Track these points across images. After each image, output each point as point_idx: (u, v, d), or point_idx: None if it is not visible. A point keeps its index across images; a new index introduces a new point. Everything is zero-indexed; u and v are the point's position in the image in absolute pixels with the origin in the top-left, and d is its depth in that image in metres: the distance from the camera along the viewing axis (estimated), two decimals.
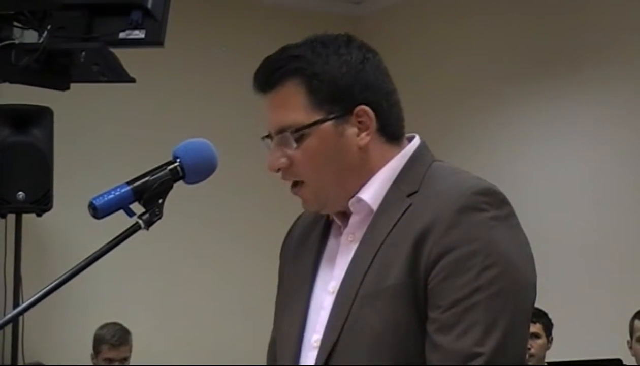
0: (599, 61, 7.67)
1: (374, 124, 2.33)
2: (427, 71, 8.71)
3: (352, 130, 2.32)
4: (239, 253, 8.40)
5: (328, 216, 2.44)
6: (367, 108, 2.32)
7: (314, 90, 2.30)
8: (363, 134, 2.33)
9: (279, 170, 2.36)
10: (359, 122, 2.32)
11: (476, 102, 8.44)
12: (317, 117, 2.31)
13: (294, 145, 2.32)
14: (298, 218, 2.56)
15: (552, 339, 6.76)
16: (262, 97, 2.37)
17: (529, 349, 6.47)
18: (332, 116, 2.31)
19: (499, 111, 8.37)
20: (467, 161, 6.97)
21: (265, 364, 2.55)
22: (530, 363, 6.49)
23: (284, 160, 2.34)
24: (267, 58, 2.37)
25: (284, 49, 2.37)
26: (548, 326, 6.74)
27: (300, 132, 2.31)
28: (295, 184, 2.37)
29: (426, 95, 8.44)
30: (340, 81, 2.31)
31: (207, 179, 2.38)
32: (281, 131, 2.33)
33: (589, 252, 7.55)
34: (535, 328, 6.60)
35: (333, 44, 2.35)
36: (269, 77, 2.34)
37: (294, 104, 2.32)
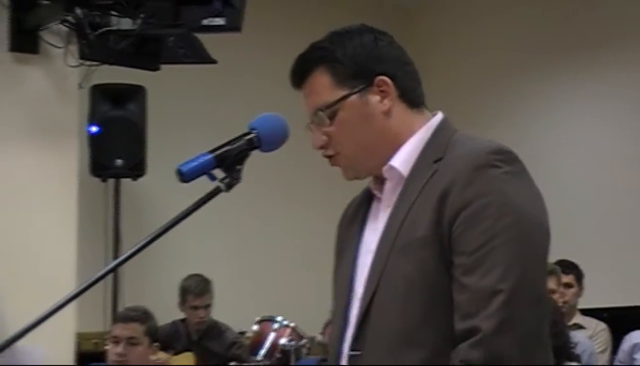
0: (619, 47, 7.61)
1: (393, 90, 2.38)
2: (470, 55, 8.65)
3: (375, 98, 2.37)
4: (305, 214, 8.43)
5: (371, 190, 2.48)
6: (384, 77, 2.37)
7: (336, 72, 2.37)
8: (385, 100, 2.37)
9: (321, 148, 2.41)
10: (380, 91, 2.37)
11: (512, 84, 8.37)
12: (344, 94, 2.36)
13: (328, 122, 2.38)
14: (351, 201, 2.59)
15: (583, 288, 6.72)
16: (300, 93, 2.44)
17: (563, 296, 6.44)
18: (355, 89, 2.36)
19: (533, 90, 8.30)
20: (504, 135, 6.90)
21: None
22: (563, 310, 6.46)
23: (323, 137, 2.39)
24: (295, 61, 2.44)
25: (307, 49, 2.44)
26: (579, 276, 6.70)
27: (331, 109, 2.37)
28: (332, 157, 2.42)
29: (468, 77, 8.38)
30: (358, 59, 2.38)
31: (280, 149, 2.39)
32: (316, 112, 2.39)
33: (619, 209, 7.49)
34: (567, 278, 6.59)
35: (347, 32, 2.43)
36: (299, 72, 2.42)
37: (322, 88, 2.38)
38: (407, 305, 2.25)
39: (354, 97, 2.36)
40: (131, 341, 4.80)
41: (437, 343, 2.22)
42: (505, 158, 2.27)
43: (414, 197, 2.30)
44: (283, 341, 6.56)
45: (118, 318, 5.02)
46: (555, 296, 5.99)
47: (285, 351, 6.51)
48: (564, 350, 4.62)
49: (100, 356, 5.31)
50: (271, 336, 6.73)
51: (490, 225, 2.20)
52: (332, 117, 2.37)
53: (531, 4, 8.38)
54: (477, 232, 2.20)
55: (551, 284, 5.88)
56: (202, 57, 4.76)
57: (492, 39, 8.58)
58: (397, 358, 2.26)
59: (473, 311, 2.16)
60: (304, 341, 6.03)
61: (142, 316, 4.93)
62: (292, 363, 6.23)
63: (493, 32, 8.58)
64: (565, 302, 6.48)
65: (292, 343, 6.30)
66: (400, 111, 2.39)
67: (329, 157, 2.42)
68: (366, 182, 2.49)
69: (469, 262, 2.19)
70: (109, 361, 4.87)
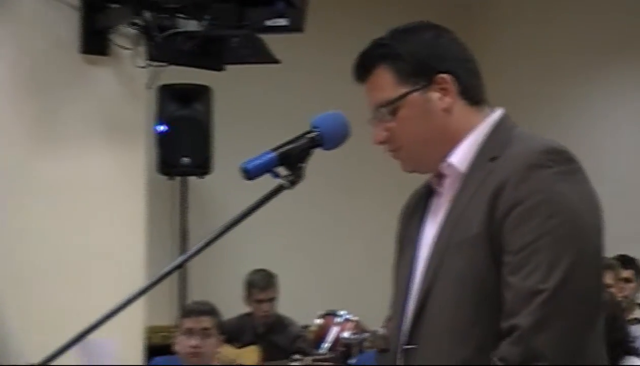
0: None
1: (454, 88, 2.37)
2: (532, 48, 8.59)
3: (435, 95, 2.37)
4: (367, 209, 8.42)
5: (431, 185, 2.48)
6: (445, 75, 2.37)
7: (398, 69, 2.37)
8: (446, 98, 2.37)
9: (382, 143, 2.41)
10: (441, 88, 2.37)
11: (573, 83, 8.30)
12: (405, 91, 2.37)
13: (389, 118, 2.38)
14: (412, 194, 2.60)
15: None
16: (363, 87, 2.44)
17: (622, 291, 6.39)
18: (417, 86, 2.36)
19: (593, 90, 8.23)
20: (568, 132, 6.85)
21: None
22: (623, 304, 6.40)
23: (384, 133, 2.40)
24: (358, 56, 2.44)
25: (370, 45, 2.44)
26: (638, 271, 6.64)
27: (392, 106, 2.37)
28: (396, 151, 2.42)
29: (527, 74, 8.33)
30: (419, 57, 2.38)
31: (341, 147, 2.39)
32: (378, 108, 2.39)
33: None
34: (626, 273, 6.55)
35: (410, 29, 2.43)
36: (362, 68, 2.42)
37: (384, 84, 2.39)
38: (458, 301, 2.26)
39: (415, 94, 2.36)
40: (205, 333, 4.89)
41: (486, 340, 2.22)
42: (559, 158, 2.26)
43: (470, 194, 2.31)
44: (346, 334, 6.56)
45: (189, 311, 5.09)
46: (613, 291, 5.94)
47: (348, 345, 6.51)
48: (623, 345, 4.58)
49: (169, 348, 5.36)
50: (334, 330, 6.74)
51: (538, 224, 2.19)
52: (393, 113, 2.37)
53: (595, 4, 8.29)
54: (525, 231, 2.20)
55: (608, 279, 5.83)
56: (266, 57, 4.78)
57: (553, 37, 8.50)
58: (448, 354, 2.27)
59: (515, 309, 2.17)
60: (366, 335, 6.03)
61: (212, 310, 5.02)
62: (355, 357, 6.23)
63: (554, 31, 8.50)
64: (624, 297, 6.42)
65: (355, 336, 6.31)
66: (460, 108, 2.38)
67: (391, 151, 2.43)
68: (427, 175, 2.49)
69: (515, 261, 2.19)
70: (182, 354, 4.94)
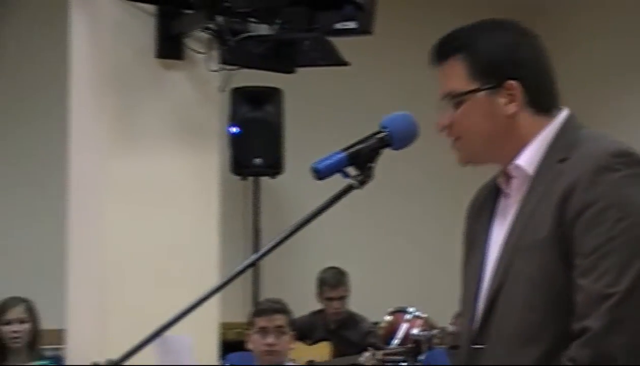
0: None
1: (521, 97, 2.34)
2: (604, 51, 8.49)
3: (501, 100, 2.34)
4: (436, 207, 8.41)
5: (498, 185, 2.46)
6: (515, 83, 2.33)
7: (472, 64, 2.35)
8: (511, 105, 2.34)
9: (443, 129, 2.40)
10: (509, 94, 2.34)
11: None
12: (473, 87, 2.34)
13: (453, 109, 2.37)
14: (477, 192, 2.58)
15: None
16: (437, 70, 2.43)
17: None
18: (485, 86, 2.34)
19: None
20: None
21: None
22: None
23: (447, 121, 2.38)
24: (440, 38, 2.42)
25: (454, 31, 2.42)
26: None
27: (458, 99, 2.36)
28: (455, 140, 2.40)
29: (600, 74, 8.24)
30: (495, 58, 2.35)
31: (411, 147, 2.39)
32: (445, 96, 2.38)
33: None
34: None
35: (493, 27, 2.41)
36: (439, 53, 2.41)
37: (455, 75, 2.37)
38: (528, 304, 2.24)
39: (481, 93, 2.34)
40: (279, 331, 4.92)
41: (556, 342, 2.21)
42: (627, 161, 2.24)
43: (539, 196, 2.29)
44: (415, 331, 6.54)
45: (262, 310, 5.12)
46: None
47: (417, 341, 6.49)
48: None
49: (242, 345, 5.40)
50: (404, 327, 6.72)
51: (608, 228, 2.17)
52: (457, 105, 2.36)
53: None
54: (595, 234, 2.18)
55: None
56: (335, 60, 4.78)
57: (628, 38, 8.39)
58: (516, 356, 2.25)
59: (586, 312, 2.15)
60: (435, 331, 6.01)
61: (284, 308, 5.05)
62: (424, 353, 6.21)
63: (629, 31, 8.39)
64: None
65: (424, 333, 6.29)
66: (525, 116, 2.35)
67: (451, 138, 2.42)
68: (491, 174, 2.47)
69: (586, 264, 2.18)
70: (256, 352, 4.98)
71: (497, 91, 2.34)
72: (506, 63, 2.34)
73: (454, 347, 2.47)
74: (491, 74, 2.34)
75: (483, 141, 2.37)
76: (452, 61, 2.37)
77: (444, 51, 2.39)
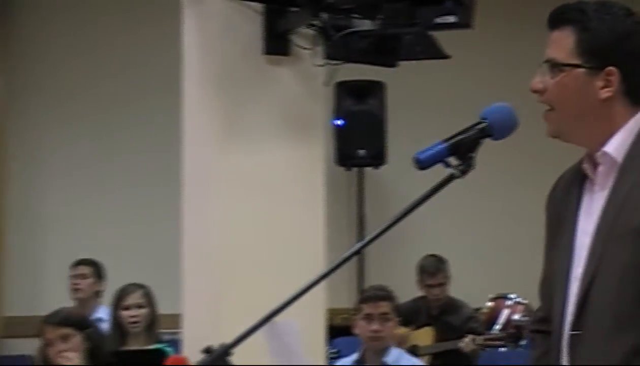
0: None
1: (618, 85, 2.30)
2: None
3: (598, 83, 2.31)
4: (535, 195, 8.31)
5: (584, 171, 2.42)
6: (616, 70, 2.30)
7: (580, 41, 2.32)
8: (605, 90, 2.31)
9: (536, 91, 2.37)
10: (606, 79, 2.30)
11: None
12: (575, 62, 2.32)
13: (550, 76, 2.34)
14: (560, 177, 2.55)
15: None
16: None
17: None
18: (586, 65, 2.31)
19: None
20: None
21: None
22: None
23: (540, 85, 2.36)
24: (561, 5, 2.39)
25: (576, 2, 2.39)
26: None
27: (558, 68, 2.33)
28: (548, 110, 2.38)
29: None
30: (604, 42, 2.31)
31: (511, 136, 2.37)
32: (547, 61, 2.36)
33: None
34: None
35: (613, 9, 2.35)
36: (555, 19, 2.38)
37: (562, 45, 2.34)
38: (622, 291, 2.21)
39: (580, 70, 2.31)
40: (384, 317, 4.95)
41: None
42: None
43: (630, 184, 2.24)
44: (516, 317, 6.49)
45: (367, 297, 5.14)
46: None
47: (518, 327, 6.44)
48: None
49: (349, 330, 5.42)
50: (505, 312, 6.68)
51: None
52: (555, 74, 2.33)
53: None
54: None
55: None
56: (437, 53, 4.75)
57: None
58: (612, 343, 2.22)
59: None
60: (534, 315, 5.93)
61: (389, 294, 5.07)
62: (525, 339, 6.15)
63: None
64: None
65: (525, 319, 6.23)
66: (618, 103, 2.31)
67: (544, 104, 2.38)
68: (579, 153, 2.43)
69: None
70: (363, 337, 5.01)
71: (596, 73, 2.31)
72: (613, 50, 2.31)
73: (540, 331, 2.41)
74: (595, 56, 2.31)
75: (572, 118, 2.34)
76: (563, 31, 2.34)
77: (559, 18, 2.36)
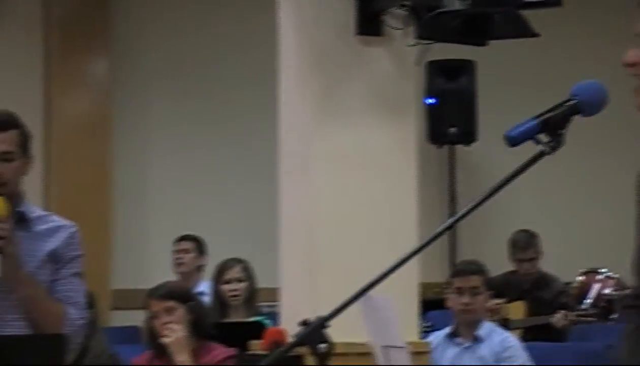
0: None
1: None
2: None
3: None
4: (628, 170, 8.17)
5: None
6: None
7: None
8: None
9: (629, 65, 2.25)
10: None
11: None
12: None
13: None
14: None
15: None
16: None
17: None
18: None
19: None
20: None
21: None
22: None
23: (636, 58, 2.24)
24: None
25: None
26: None
27: None
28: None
29: None
30: None
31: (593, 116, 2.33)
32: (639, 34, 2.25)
33: None
34: None
35: None
36: None
37: None
38: None
39: None
40: (474, 291, 4.93)
41: None
42: None
43: None
44: (607, 291, 6.39)
45: (458, 272, 5.13)
46: None
47: (609, 301, 6.34)
48: None
49: (441, 303, 5.40)
50: (596, 287, 6.58)
51: None
52: None
53: None
54: None
55: None
56: (526, 32, 4.69)
57: None
58: None
59: None
60: (627, 291, 5.84)
61: (479, 269, 5.05)
62: (616, 313, 6.06)
63: None
64: None
65: (616, 293, 6.13)
66: None
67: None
68: None
69: None
70: (455, 310, 5.00)
71: None
72: None
73: (634, 306, 2.36)
74: None
75: None
76: None
77: None
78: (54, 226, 3.39)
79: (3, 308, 3.24)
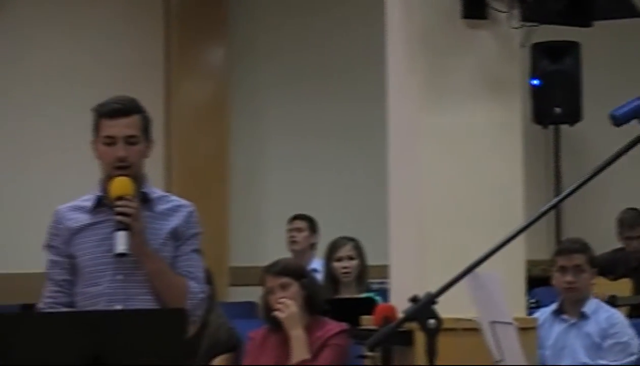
0: None
1: None
2: None
3: None
4: None
5: None
6: None
7: None
8: None
9: None
10: None
11: None
12: None
13: None
14: None
15: None
16: None
17: None
18: None
19: None
20: None
21: None
22: None
23: None
24: None
25: None
26: None
27: None
28: None
29: None
30: None
31: None
32: None
33: None
34: None
35: None
36: None
37: None
38: None
39: None
40: (578, 269, 4.87)
41: None
42: None
43: None
44: None
45: (562, 250, 5.06)
46: None
47: None
48: None
49: (547, 280, 5.32)
50: None
51: None
52: None
53: None
54: None
55: None
56: (631, 12, 4.58)
57: None
58: None
59: None
60: None
61: (583, 247, 4.96)
62: None
63: None
64: None
65: None
66: None
67: None
68: None
69: None
70: (559, 288, 4.93)
71: None
72: None
73: None
74: None
75: None
76: None
77: None
78: (174, 206, 3.45)
79: (130, 284, 3.31)
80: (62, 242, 3.38)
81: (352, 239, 6.07)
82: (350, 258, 5.97)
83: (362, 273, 5.99)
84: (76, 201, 3.44)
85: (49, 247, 3.42)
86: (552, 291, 5.29)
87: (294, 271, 4.79)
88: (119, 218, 3.24)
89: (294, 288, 4.68)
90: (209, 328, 4.89)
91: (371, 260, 6.07)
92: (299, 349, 4.56)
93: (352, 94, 8.15)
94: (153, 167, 3.47)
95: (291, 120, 8.25)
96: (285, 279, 4.68)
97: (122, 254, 3.23)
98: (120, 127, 3.33)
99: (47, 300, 3.38)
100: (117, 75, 7.61)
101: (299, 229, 7.19)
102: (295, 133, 8.25)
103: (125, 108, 3.36)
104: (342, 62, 8.20)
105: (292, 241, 7.17)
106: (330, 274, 5.98)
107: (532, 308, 5.32)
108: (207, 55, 8.01)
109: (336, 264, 5.96)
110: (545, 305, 5.24)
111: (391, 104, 4.80)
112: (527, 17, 4.50)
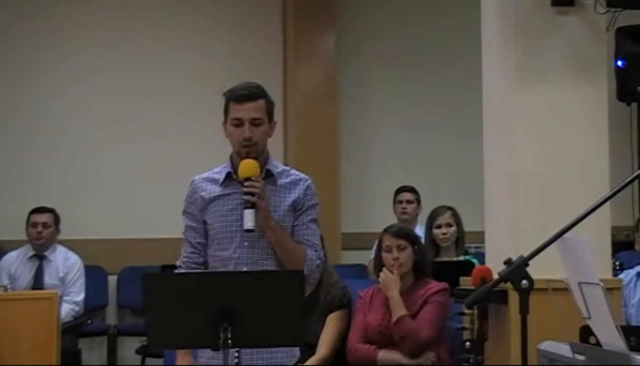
0: None
1: None
2: None
3: None
4: None
5: None
6: None
7: None
8: None
9: None
10: None
11: None
12: None
13: None
14: None
15: None
16: None
17: None
18: None
19: None
20: None
21: None
22: None
23: None
24: None
25: None
26: None
27: None
28: None
29: None
30: None
31: None
32: None
33: None
34: None
35: None
36: None
37: None
38: None
39: None
40: None
41: None
42: None
43: None
44: None
45: None
46: None
47: None
48: None
49: (631, 245, 5.20)
50: None
51: None
52: None
53: None
54: None
55: None
56: None
57: None
58: None
59: None
60: None
61: None
62: None
63: None
64: None
65: None
66: None
67: None
68: None
69: None
70: None
71: None
72: None
73: None
74: None
75: None
76: None
77: None
78: (294, 180, 3.48)
79: (256, 250, 3.36)
80: (197, 210, 3.44)
81: (450, 208, 6.05)
82: (449, 225, 5.96)
83: (460, 239, 5.97)
84: (209, 172, 3.51)
85: (186, 213, 3.49)
86: (635, 255, 5.18)
87: (410, 236, 4.80)
88: (247, 197, 3.29)
89: (408, 251, 4.70)
90: (323, 286, 4.93)
91: (468, 226, 6.04)
92: (396, 308, 4.58)
93: (450, 75, 8.12)
94: (273, 143, 3.50)
95: (394, 100, 8.29)
96: (402, 242, 4.70)
97: (249, 230, 3.29)
98: (247, 110, 3.36)
99: (184, 259, 3.47)
100: (242, 64, 7.76)
101: (409, 201, 7.20)
102: (398, 111, 8.31)
103: (251, 94, 3.39)
104: (443, 46, 8.20)
105: (403, 212, 7.18)
106: (430, 239, 5.97)
107: (616, 270, 5.22)
108: (319, 43, 8.05)
109: (436, 231, 5.96)
110: (629, 268, 5.13)
111: (486, 84, 4.76)
112: (612, 3, 4.39)
